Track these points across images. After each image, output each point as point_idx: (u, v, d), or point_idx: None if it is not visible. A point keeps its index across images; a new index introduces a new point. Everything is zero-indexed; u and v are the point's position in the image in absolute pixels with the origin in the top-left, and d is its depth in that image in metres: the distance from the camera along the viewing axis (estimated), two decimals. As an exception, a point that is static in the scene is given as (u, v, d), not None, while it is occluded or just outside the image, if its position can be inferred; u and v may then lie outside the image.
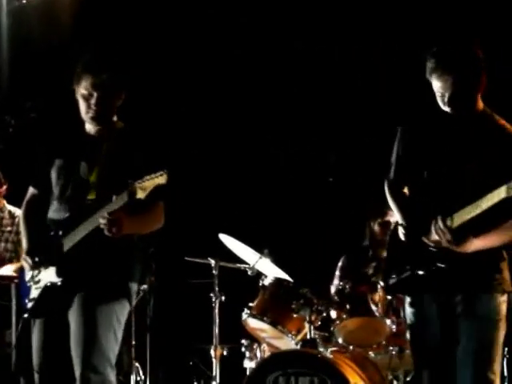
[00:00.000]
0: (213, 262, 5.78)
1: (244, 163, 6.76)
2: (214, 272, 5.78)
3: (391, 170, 3.91)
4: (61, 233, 3.96)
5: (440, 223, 3.51)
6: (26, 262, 4.04)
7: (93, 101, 3.98)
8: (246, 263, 5.77)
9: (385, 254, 6.06)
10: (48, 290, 3.98)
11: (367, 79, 6.84)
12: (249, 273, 5.72)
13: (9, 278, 5.48)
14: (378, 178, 6.72)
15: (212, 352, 5.69)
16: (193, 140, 6.66)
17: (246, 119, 7.00)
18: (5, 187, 6.02)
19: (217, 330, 5.71)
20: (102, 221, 3.74)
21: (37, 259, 4.00)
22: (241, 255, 5.77)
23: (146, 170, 3.78)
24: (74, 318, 3.94)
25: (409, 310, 3.78)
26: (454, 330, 3.62)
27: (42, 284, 4.01)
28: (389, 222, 6.16)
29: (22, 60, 7.49)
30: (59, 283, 3.94)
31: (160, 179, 3.70)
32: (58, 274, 3.93)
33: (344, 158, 6.73)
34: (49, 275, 3.98)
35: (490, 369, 3.57)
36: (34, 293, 4.04)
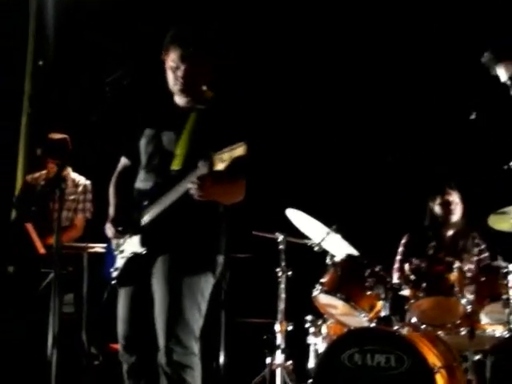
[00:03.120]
0: (280, 236, 5.77)
1: (313, 140, 6.75)
2: (281, 247, 5.77)
3: None
4: (146, 203, 3.97)
5: None
6: (109, 231, 4.06)
7: (179, 73, 3.99)
8: (313, 239, 5.75)
9: (448, 233, 6.12)
10: (132, 259, 4.01)
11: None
12: (315, 249, 5.69)
13: (81, 248, 5.49)
14: (439, 158, 6.76)
15: (277, 327, 5.69)
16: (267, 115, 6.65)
17: (320, 102, 7.05)
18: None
19: (282, 306, 5.71)
20: (190, 185, 3.75)
21: (120, 228, 4.02)
22: (307, 231, 5.74)
23: (226, 141, 3.77)
24: (158, 288, 3.95)
25: None
26: None
27: (126, 254, 4.03)
28: (448, 202, 6.14)
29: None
30: (143, 253, 3.95)
31: (238, 151, 3.69)
32: (142, 244, 3.95)
33: (404, 139, 6.74)
34: (132, 245, 3.99)
35: None
36: (119, 262, 4.07)
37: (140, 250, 3.95)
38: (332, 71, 7.03)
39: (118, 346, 4.08)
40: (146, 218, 3.95)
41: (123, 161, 4.25)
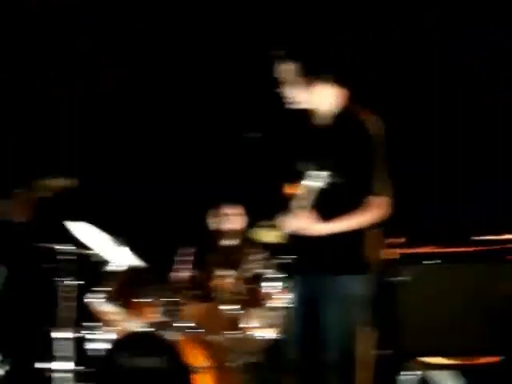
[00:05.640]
0: (61, 247, 5.89)
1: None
2: (61, 257, 5.89)
3: None
4: None
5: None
6: None
7: None
8: (93, 249, 5.92)
9: (226, 244, 6.45)
10: None
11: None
12: (97, 259, 5.87)
13: None
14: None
15: (55, 334, 5.81)
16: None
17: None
18: None
19: (62, 314, 5.83)
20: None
21: None
22: (88, 242, 5.91)
23: None
24: None
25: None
26: (316, 311, 3.72)
27: None
28: (225, 214, 6.49)
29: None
30: None
31: (63, 182, 3.89)
32: None
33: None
34: None
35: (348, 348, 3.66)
36: None
37: None
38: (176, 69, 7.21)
39: None
40: None
41: None
